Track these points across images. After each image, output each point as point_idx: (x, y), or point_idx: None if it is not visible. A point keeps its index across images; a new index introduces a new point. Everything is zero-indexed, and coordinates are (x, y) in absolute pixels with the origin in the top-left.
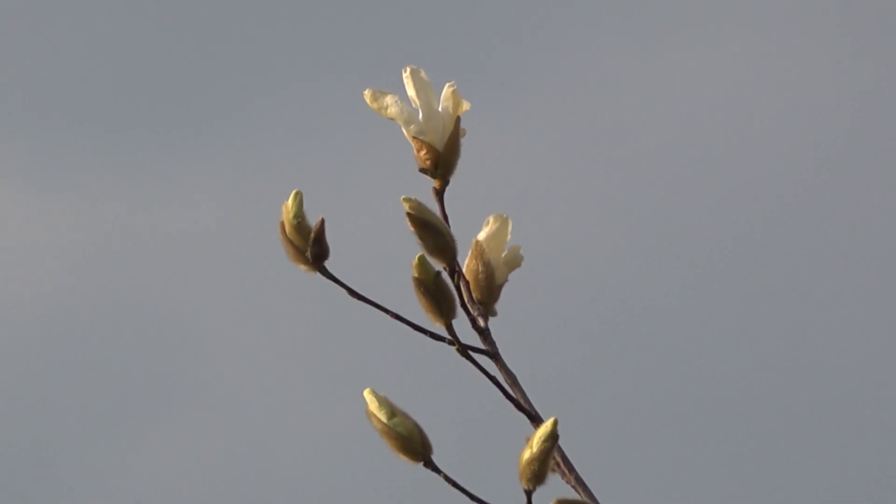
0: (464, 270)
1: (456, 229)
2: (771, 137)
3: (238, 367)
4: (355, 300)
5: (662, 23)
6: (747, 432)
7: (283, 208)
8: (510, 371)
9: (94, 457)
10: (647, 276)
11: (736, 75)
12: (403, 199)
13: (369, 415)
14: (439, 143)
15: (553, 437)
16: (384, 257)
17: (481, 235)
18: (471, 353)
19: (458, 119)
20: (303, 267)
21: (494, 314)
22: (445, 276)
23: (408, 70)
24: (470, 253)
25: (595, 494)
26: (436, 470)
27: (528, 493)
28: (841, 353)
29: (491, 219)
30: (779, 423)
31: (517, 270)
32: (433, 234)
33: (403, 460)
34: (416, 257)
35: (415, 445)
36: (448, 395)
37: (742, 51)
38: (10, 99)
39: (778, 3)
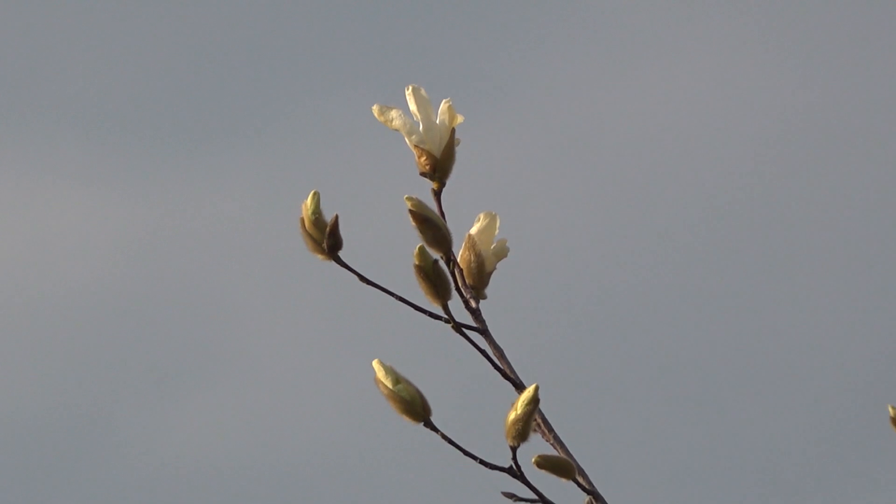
0: (458, 259)
1: (451, 224)
2: (719, 140)
3: (265, 341)
4: (365, 284)
5: (630, 44)
6: (707, 396)
7: (303, 206)
8: (498, 345)
9: (144, 415)
10: (615, 264)
11: (692, 89)
12: (406, 199)
13: (377, 382)
14: (437, 150)
15: (534, 401)
16: (389, 248)
17: (473, 230)
18: (464, 329)
19: (453, 130)
20: (320, 256)
21: (484, 297)
22: (442, 264)
23: (410, 88)
24: (463, 245)
25: (571, 451)
26: (434, 429)
27: (513, 450)
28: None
29: (482, 216)
30: (736, 384)
31: (504, 260)
32: (432, 228)
33: (406, 421)
34: (417, 248)
35: (416, 408)
36: (444, 365)
37: (696, 68)
38: (72, 110)
39: (728, 27)
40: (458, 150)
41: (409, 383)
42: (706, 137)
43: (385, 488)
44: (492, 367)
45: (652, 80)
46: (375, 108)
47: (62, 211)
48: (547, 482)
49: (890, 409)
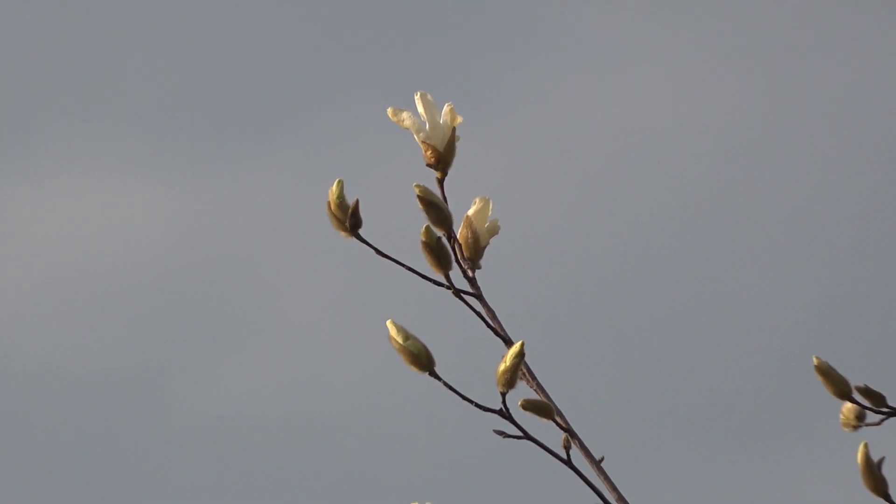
0: (457, 236)
1: (452, 207)
2: (674, 132)
3: (297, 306)
4: (380, 257)
5: (603, 57)
6: (665, 351)
7: (329, 192)
8: (490, 308)
9: (196, 371)
10: (588, 241)
11: (654, 94)
12: (415, 186)
13: (390, 338)
14: (441, 145)
15: (520, 354)
16: (401, 227)
17: (470, 211)
18: (462, 295)
19: (454, 129)
20: (343, 234)
21: (479, 267)
22: (444, 240)
23: (418, 94)
24: (462, 224)
25: (551, 396)
26: (437, 378)
27: (503, 395)
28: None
29: (477, 200)
30: (690, 340)
31: (495, 236)
32: (436, 210)
33: (414, 371)
34: (424, 227)
35: (422, 360)
36: (446, 325)
37: (658, 77)
38: (138, 113)
39: (685, 44)
40: (458, 145)
41: (416, 339)
42: (665, 131)
43: (396, 428)
44: (486, 327)
45: (620, 87)
46: (390, 111)
47: (129, 197)
48: (531, 422)
49: (814, 359)
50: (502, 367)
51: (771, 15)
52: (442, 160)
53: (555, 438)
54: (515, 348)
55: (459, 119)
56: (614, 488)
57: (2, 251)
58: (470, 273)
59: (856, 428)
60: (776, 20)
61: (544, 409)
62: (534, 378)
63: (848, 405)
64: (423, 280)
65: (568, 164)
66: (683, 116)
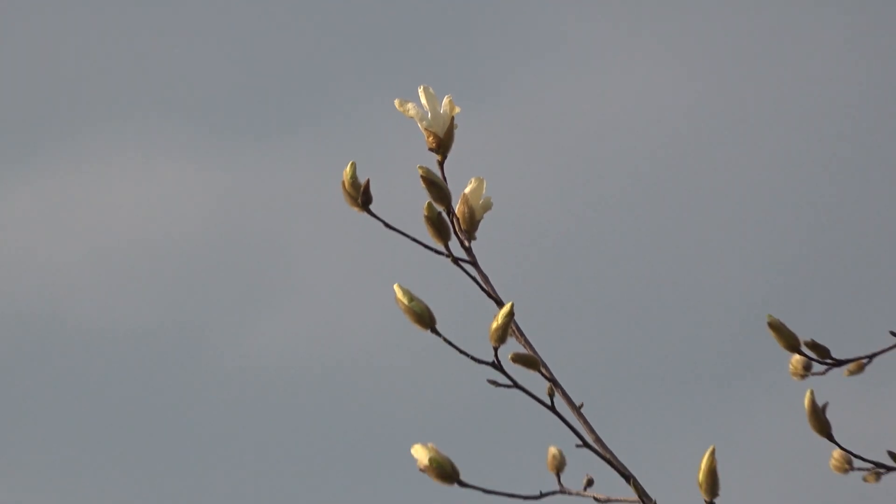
0: (455, 211)
1: (451, 186)
2: (644, 123)
3: (316, 271)
4: (388, 229)
5: (580, 56)
6: (636, 309)
7: (344, 172)
8: (484, 274)
9: (229, 329)
10: (568, 213)
11: (624, 88)
12: (419, 167)
13: (397, 300)
14: (441, 132)
15: (510, 314)
16: (406, 203)
17: (467, 190)
18: (460, 262)
19: (452, 118)
20: (356, 209)
21: (475, 238)
22: (444, 215)
23: (422, 87)
24: (460, 200)
25: (537, 350)
26: (438, 334)
27: (495, 350)
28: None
29: (473, 180)
30: (659, 300)
31: (489, 212)
32: (437, 189)
33: (418, 328)
34: (426, 203)
35: (425, 319)
36: (445, 288)
37: (627, 74)
38: (177, 101)
39: (652, 44)
40: (456, 132)
41: (419, 301)
42: (636, 118)
43: (402, 378)
44: (480, 290)
45: (597, 83)
46: (397, 102)
47: (170, 176)
48: (519, 373)
49: (768, 317)
50: (494, 325)
51: (728, 23)
52: (442, 145)
53: (540, 387)
54: (506, 308)
55: (457, 109)
56: (592, 431)
57: (61, 225)
58: (466, 243)
59: (803, 377)
60: (733, 28)
61: (531, 361)
62: (522, 334)
63: (797, 357)
64: (426, 249)
65: (551, 149)
66: (652, 106)
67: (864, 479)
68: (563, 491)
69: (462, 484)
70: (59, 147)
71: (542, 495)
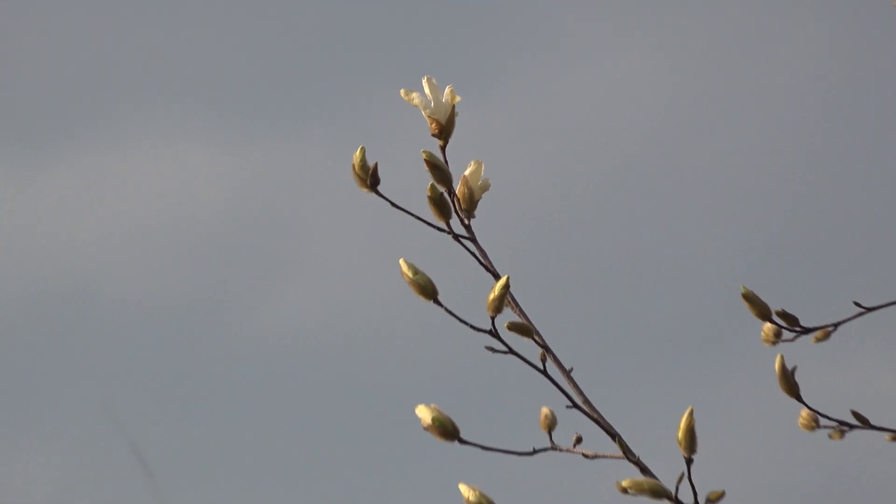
0: (456, 192)
1: (452, 169)
2: (627, 109)
3: (329, 248)
4: (394, 209)
5: (572, 46)
6: (623, 281)
7: (354, 156)
8: (483, 249)
9: (247, 302)
10: (559, 194)
11: (619, 82)
12: (423, 152)
13: (402, 273)
14: (443, 119)
15: (506, 286)
16: (411, 185)
17: (466, 172)
18: (460, 239)
19: (453, 106)
20: (364, 190)
21: (474, 217)
22: (446, 195)
23: (425, 78)
24: (460, 182)
25: (530, 318)
26: (440, 305)
27: (492, 319)
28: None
29: (472, 163)
30: (643, 271)
31: (487, 192)
32: (439, 171)
33: (421, 299)
34: (429, 184)
35: (428, 290)
36: (447, 263)
37: (613, 66)
38: (199, 90)
39: (638, 35)
40: (457, 119)
41: (423, 274)
42: (621, 109)
43: (407, 345)
44: (479, 264)
45: (584, 73)
46: (402, 92)
47: (194, 160)
48: (514, 340)
49: (742, 288)
50: (491, 296)
51: (710, 22)
52: (444, 131)
53: (533, 353)
54: (502, 281)
55: (458, 98)
56: (581, 393)
57: (93, 206)
58: (466, 221)
59: (774, 343)
60: (714, 26)
61: (525, 329)
62: (517, 305)
63: (768, 325)
64: (429, 227)
65: (545, 135)
66: (638, 96)
67: (830, 437)
68: (554, 448)
69: (462, 441)
70: (92, 134)
71: (535, 452)
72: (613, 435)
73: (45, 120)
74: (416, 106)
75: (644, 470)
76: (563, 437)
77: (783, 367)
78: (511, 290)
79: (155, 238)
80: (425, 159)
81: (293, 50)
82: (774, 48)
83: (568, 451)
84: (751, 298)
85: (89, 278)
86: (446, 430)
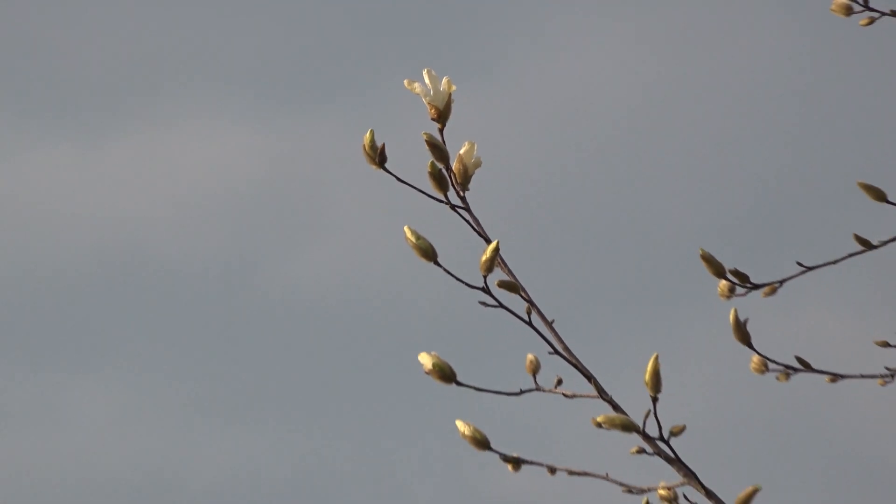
0: (453, 168)
1: (449, 148)
2: (609, 93)
3: (346, 216)
4: (400, 183)
5: (557, 37)
6: (601, 242)
7: (364, 138)
8: (476, 217)
9: (278, 263)
10: (545, 169)
11: (600, 68)
12: (424, 134)
13: (406, 238)
14: (441, 105)
15: (496, 249)
16: (414, 162)
17: (461, 151)
18: (456, 208)
19: (450, 94)
20: (374, 167)
21: (468, 190)
22: (444, 171)
23: (426, 70)
24: (456, 159)
25: (518, 277)
26: (439, 266)
27: (485, 277)
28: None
29: (466, 143)
30: (621, 232)
31: (479, 168)
32: (437, 150)
33: (423, 261)
34: (429, 162)
35: (429, 253)
36: (445, 229)
37: (597, 49)
38: (237, 77)
39: (620, 27)
40: (453, 105)
41: (424, 239)
42: (602, 87)
43: (410, 301)
44: (472, 231)
45: (570, 61)
46: (406, 82)
47: (233, 138)
48: (504, 296)
49: (700, 250)
50: (484, 257)
51: (682, 14)
52: (442, 116)
53: (520, 307)
54: (493, 245)
55: (454, 87)
56: (561, 341)
57: (146, 176)
58: (461, 193)
59: (728, 298)
60: (686, 17)
61: (513, 287)
62: (506, 265)
63: (723, 282)
64: (429, 198)
65: (531, 119)
66: (617, 80)
67: (777, 379)
68: (538, 389)
69: (458, 383)
70: (147, 114)
71: (521, 392)
72: (589, 377)
73: (108, 102)
74: (417, 94)
75: (616, 407)
76: (545, 379)
77: (736, 318)
78: (500, 252)
79: (198, 204)
80: (426, 140)
81: (317, 46)
82: (733, 41)
83: (550, 391)
84: (708, 259)
85: (144, 238)
86: (445, 374)
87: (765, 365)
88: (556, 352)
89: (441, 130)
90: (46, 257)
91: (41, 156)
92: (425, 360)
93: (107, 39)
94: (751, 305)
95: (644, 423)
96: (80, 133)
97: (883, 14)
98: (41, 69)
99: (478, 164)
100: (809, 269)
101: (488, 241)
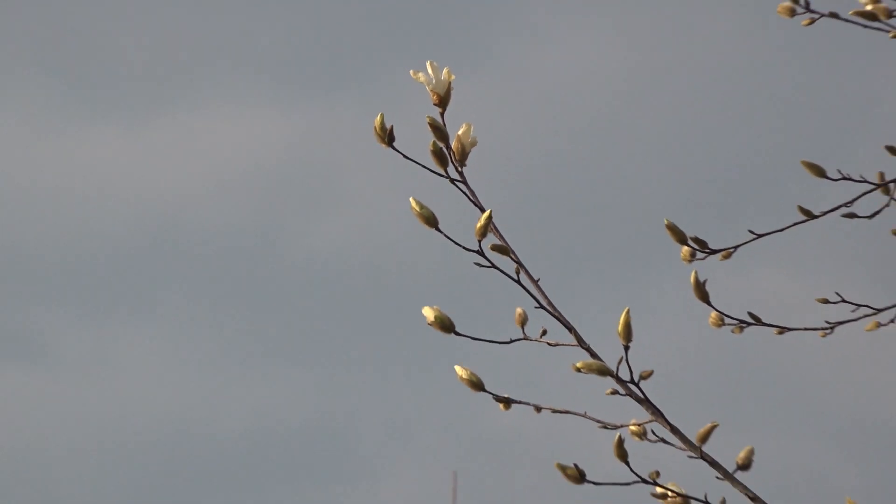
0: (452, 147)
1: (449, 129)
2: (590, 80)
3: (360, 189)
4: (406, 160)
5: (550, 32)
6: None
7: (375, 121)
8: (472, 190)
9: (299, 232)
10: (533, 148)
11: (582, 59)
12: (427, 117)
13: (412, 208)
14: (442, 92)
15: (489, 217)
16: (418, 141)
17: (459, 132)
18: (455, 182)
19: (450, 82)
20: (384, 145)
21: (466, 166)
22: (444, 149)
23: (429, 62)
24: (455, 139)
25: (508, 242)
26: (440, 231)
27: (479, 242)
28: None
29: (464, 125)
30: (596, 200)
31: (475, 147)
32: (439, 131)
33: (426, 228)
34: (431, 141)
35: (431, 220)
36: (445, 200)
37: (585, 47)
38: (261, 66)
39: (600, 21)
40: (453, 92)
41: (427, 208)
42: (579, 81)
43: (416, 263)
44: (469, 201)
45: (556, 53)
46: (411, 72)
47: (258, 121)
48: (496, 258)
49: (665, 220)
50: (479, 224)
51: (655, 10)
52: (442, 101)
53: (510, 268)
54: (486, 213)
55: (453, 77)
56: (546, 297)
57: (184, 153)
58: (459, 169)
59: (690, 262)
60: (658, 14)
61: (504, 250)
62: (497, 231)
63: (685, 248)
64: (431, 173)
65: (520, 104)
66: (596, 70)
67: (732, 331)
68: (525, 338)
69: (457, 333)
70: (184, 98)
71: (511, 341)
72: (570, 329)
73: (151, 88)
74: (421, 83)
75: (593, 355)
76: (532, 330)
77: (697, 279)
78: (493, 220)
79: (230, 178)
80: (428, 122)
81: (334, 40)
82: (696, 37)
83: (536, 340)
84: (672, 228)
85: (183, 208)
86: (445, 325)
87: (721, 319)
88: (542, 306)
89: (442, 114)
90: (101, 225)
91: (94, 135)
92: (428, 313)
93: (149, 33)
94: (709, 268)
95: (617, 368)
96: (127, 115)
97: (822, 15)
98: (93, 60)
99: (474, 144)
100: (760, 235)
101: (482, 211)
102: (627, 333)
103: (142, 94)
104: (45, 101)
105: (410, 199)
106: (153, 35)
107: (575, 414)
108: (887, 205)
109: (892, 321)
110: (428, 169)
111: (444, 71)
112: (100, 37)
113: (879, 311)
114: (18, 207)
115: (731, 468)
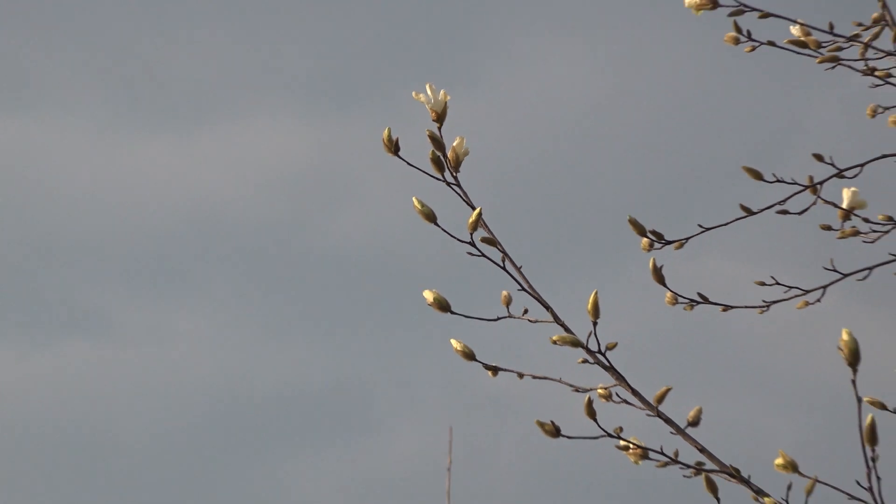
0: (448, 155)
1: (445, 141)
2: (571, 96)
3: (372, 189)
4: (410, 166)
5: (532, 55)
6: (570, 200)
7: (383, 133)
8: (465, 191)
9: (321, 225)
10: (520, 156)
11: (560, 79)
12: (427, 130)
13: (415, 206)
14: (439, 110)
15: (480, 214)
16: (419, 151)
17: (454, 143)
18: (451, 185)
19: (446, 101)
20: (390, 154)
21: (459, 171)
22: (441, 157)
23: (427, 84)
24: (450, 149)
25: (496, 234)
26: (439, 227)
27: (471, 235)
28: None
29: (458, 137)
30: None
31: (468, 156)
32: (437, 143)
33: (426, 223)
34: (430, 150)
35: (431, 217)
36: (442, 200)
37: (563, 69)
38: (284, 81)
39: (580, 41)
40: (449, 110)
41: (428, 207)
42: (561, 99)
43: (418, 253)
44: (462, 201)
45: (538, 74)
46: (413, 93)
47: (281, 133)
48: (485, 248)
49: (628, 216)
50: (471, 220)
51: (626, 36)
52: (440, 118)
53: (497, 257)
54: (477, 211)
55: (448, 97)
56: (527, 281)
57: (224, 159)
58: (454, 174)
59: (648, 251)
60: (629, 39)
61: (492, 241)
62: (486, 226)
63: (645, 239)
64: (431, 177)
65: (507, 119)
66: (574, 90)
67: (684, 309)
68: (510, 316)
69: (452, 312)
70: (226, 112)
71: (498, 318)
72: (548, 308)
73: (198, 102)
74: (422, 102)
75: (567, 330)
76: (516, 309)
77: (654, 265)
78: (483, 216)
79: (264, 179)
80: (428, 135)
81: (351, 64)
82: (657, 60)
83: (519, 318)
84: (633, 222)
85: (226, 205)
86: (442, 305)
87: (675, 299)
88: (524, 289)
89: (439, 128)
90: (157, 218)
91: (152, 142)
92: (428, 295)
93: (196, 54)
94: (665, 256)
95: (587, 340)
96: (179, 126)
97: (762, 43)
98: (147, 76)
99: (466, 153)
100: (707, 229)
101: (474, 209)
102: (595, 311)
103: (191, 109)
104: (113, 113)
105: (413, 199)
106: (201, 58)
107: (552, 379)
108: (814, 203)
109: (818, 300)
110: (428, 174)
111: (441, 92)
112: (156, 61)
113: (807, 291)
114: (90, 204)
115: (683, 425)
